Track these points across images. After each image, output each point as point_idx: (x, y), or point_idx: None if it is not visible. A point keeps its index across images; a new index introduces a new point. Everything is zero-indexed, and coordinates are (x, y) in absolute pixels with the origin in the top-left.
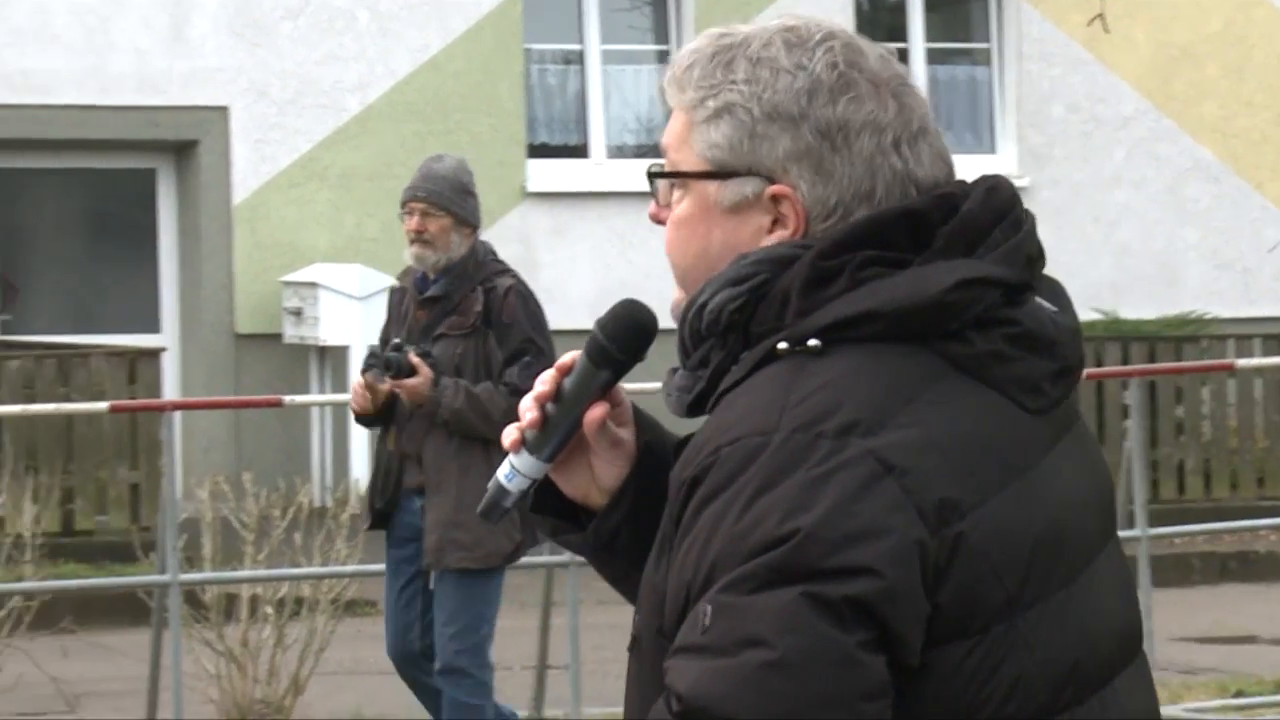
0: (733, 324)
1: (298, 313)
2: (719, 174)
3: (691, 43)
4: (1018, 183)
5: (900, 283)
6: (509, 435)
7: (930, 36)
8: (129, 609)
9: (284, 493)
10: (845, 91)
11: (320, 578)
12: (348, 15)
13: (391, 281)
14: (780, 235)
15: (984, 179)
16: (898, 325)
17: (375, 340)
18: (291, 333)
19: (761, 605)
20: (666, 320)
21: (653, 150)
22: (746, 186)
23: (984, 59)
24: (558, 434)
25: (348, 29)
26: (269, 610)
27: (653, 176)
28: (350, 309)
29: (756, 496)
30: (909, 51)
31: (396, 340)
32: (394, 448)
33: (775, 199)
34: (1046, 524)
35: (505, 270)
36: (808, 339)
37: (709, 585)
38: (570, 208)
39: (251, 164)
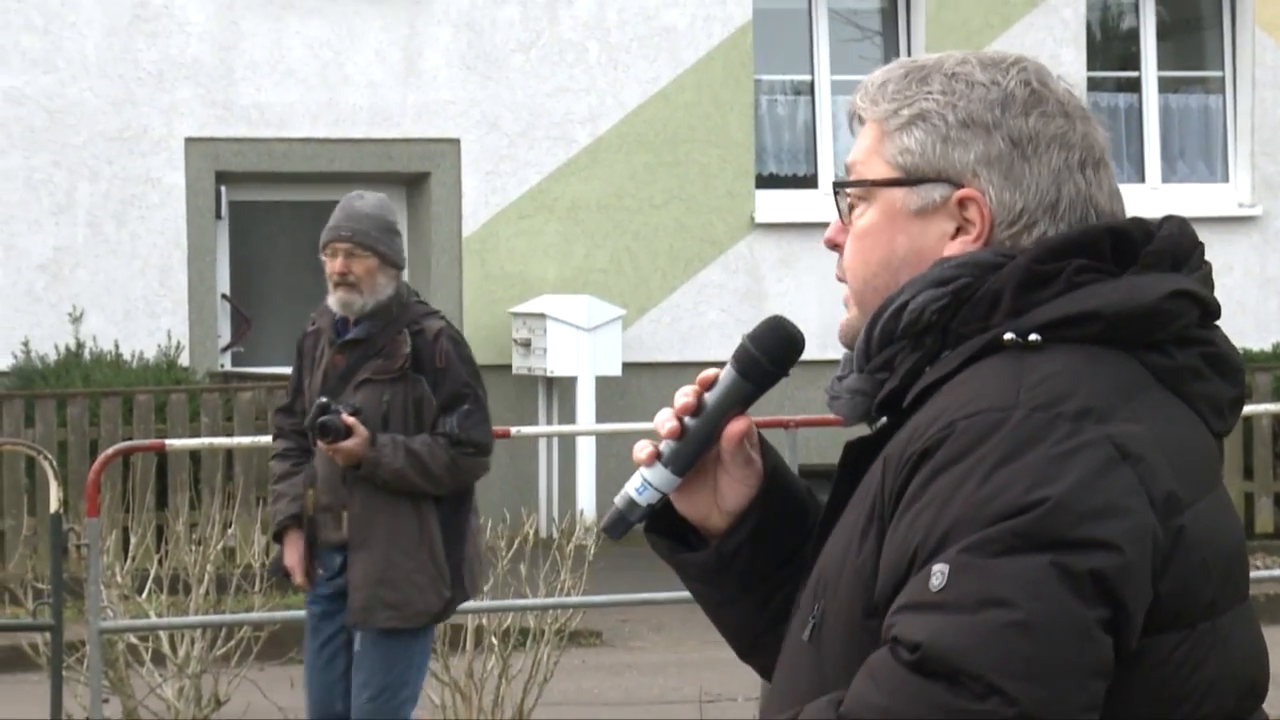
0: (932, 324)
1: (526, 344)
2: (907, 180)
3: (880, 70)
4: (1250, 211)
5: (1119, 288)
6: (644, 448)
7: (1163, 65)
8: None
9: (510, 524)
10: (1036, 106)
11: (545, 608)
12: (578, 48)
13: (620, 312)
14: (965, 241)
15: (1169, 216)
16: (1113, 328)
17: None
18: (520, 363)
19: (1007, 568)
20: (812, 351)
21: None
22: (935, 191)
23: (1217, 87)
24: (695, 447)
25: (578, 61)
26: (494, 641)
27: (838, 186)
28: (578, 340)
29: (998, 466)
30: (1141, 80)
31: (324, 400)
32: (311, 502)
33: (962, 204)
34: (1234, 537)
35: (432, 312)
36: (1029, 333)
37: (941, 548)
38: (798, 238)
39: (482, 195)
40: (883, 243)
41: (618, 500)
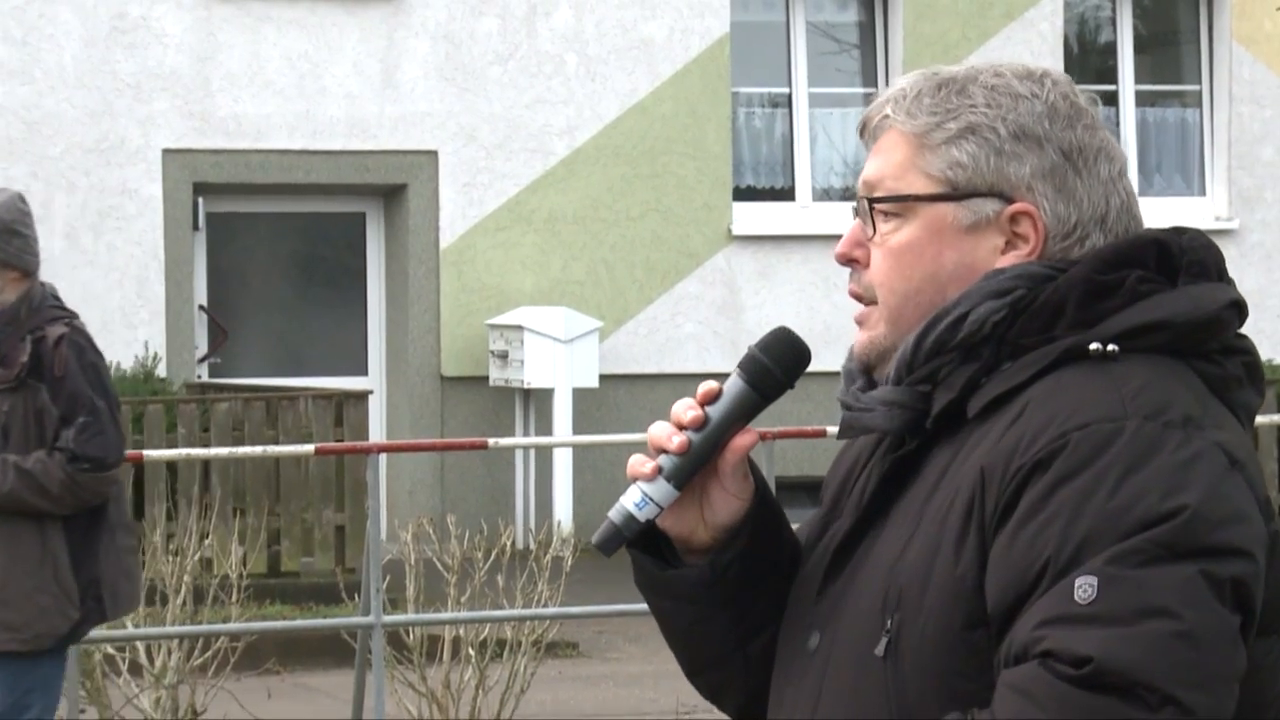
0: (988, 336)
1: (503, 356)
2: (956, 195)
3: (903, 79)
4: (1227, 225)
5: (1182, 298)
6: (644, 463)
7: (1140, 79)
8: (333, 650)
9: (487, 535)
10: (1080, 118)
11: (523, 619)
12: (556, 60)
13: (597, 324)
14: (1017, 255)
15: (1185, 227)
16: (1180, 338)
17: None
18: (497, 375)
19: (1158, 578)
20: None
21: None
22: (987, 206)
23: (1194, 101)
24: (698, 462)
25: (556, 73)
26: (471, 652)
27: (876, 200)
28: (555, 352)
29: (1126, 476)
30: (1119, 94)
31: None
32: None
33: (1014, 218)
34: None
35: (61, 317)
36: (1106, 344)
37: (1078, 560)
38: (776, 251)
39: (459, 207)
40: (928, 258)
41: (613, 516)
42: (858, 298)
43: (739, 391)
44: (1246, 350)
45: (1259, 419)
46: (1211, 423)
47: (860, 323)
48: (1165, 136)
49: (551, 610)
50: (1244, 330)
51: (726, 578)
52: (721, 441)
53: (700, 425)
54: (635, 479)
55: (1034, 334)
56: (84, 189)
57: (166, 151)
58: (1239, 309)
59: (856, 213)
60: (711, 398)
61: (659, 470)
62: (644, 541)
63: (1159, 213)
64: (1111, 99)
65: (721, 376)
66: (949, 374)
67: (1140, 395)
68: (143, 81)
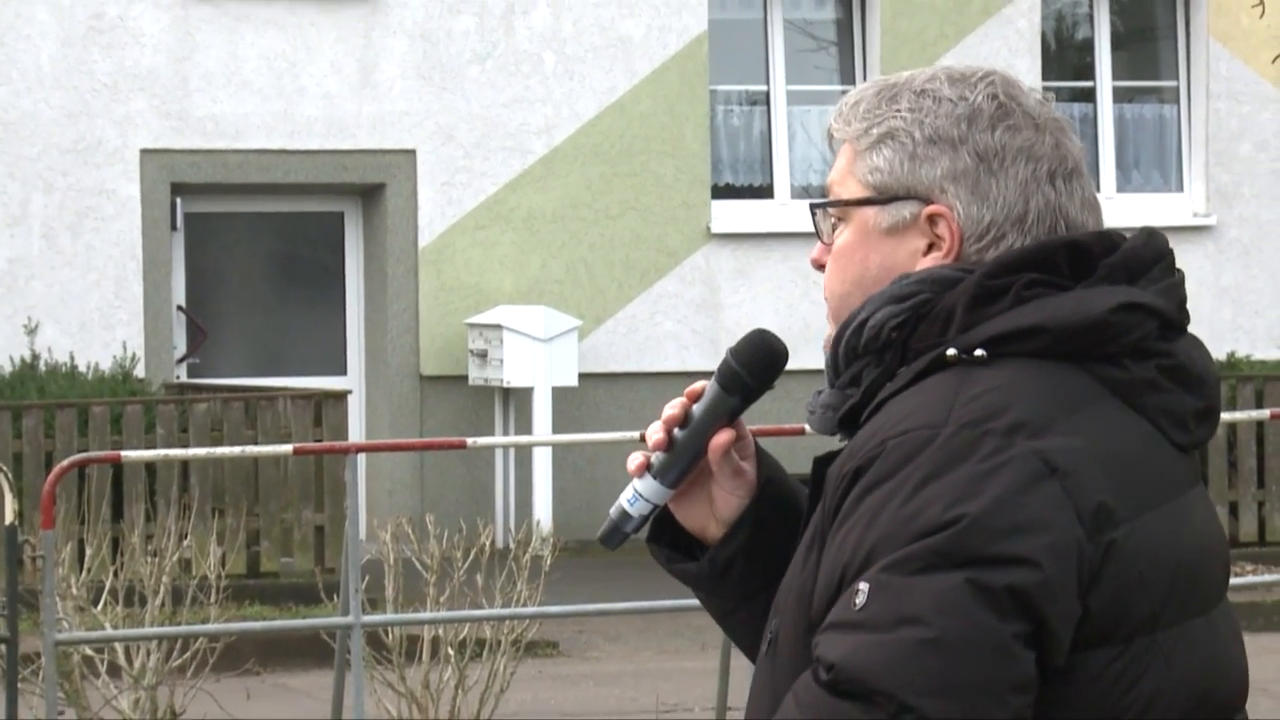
0: (891, 340)
1: (482, 355)
2: (878, 199)
3: (855, 89)
4: (1205, 221)
5: (1065, 302)
6: (634, 460)
7: (1117, 75)
8: (312, 650)
9: (466, 534)
10: (1003, 120)
11: (502, 619)
12: (534, 59)
13: (576, 323)
14: (935, 257)
15: (1144, 228)
16: (1060, 342)
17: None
18: (476, 375)
19: (923, 586)
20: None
21: None
22: (905, 209)
23: (1172, 97)
24: (683, 459)
25: (534, 72)
26: (450, 652)
27: (814, 207)
28: (535, 351)
29: (923, 485)
30: (1096, 90)
31: None
32: None
33: (932, 220)
34: (1189, 552)
35: None
36: (974, 349)
37: (866, 566)
38: (754, 248)
39: (438, 207)
40: (857, 261)
41: (612, 511)
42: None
43: (714, 393)
44: (1166, 353)
45: (1237, 415)
46: (1061, 429)
47: (827, 321)
48: (1143, 133)
49: (531, 610)
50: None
51: (731, 572)
52: (705, 440)
53: (682, 423)
54: (631, 475)
55: (931, 339)
56: (61, 189)
57: (144, 151)
58: (1148, 311)
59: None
60: (697, 397)
61: (647, 466)
62: (672, 535)
63: (1136, 209)
64: (1089, 95)
65: (701, 375)
66: (865, 378)
67: (973, 402)
68: (120, 81)
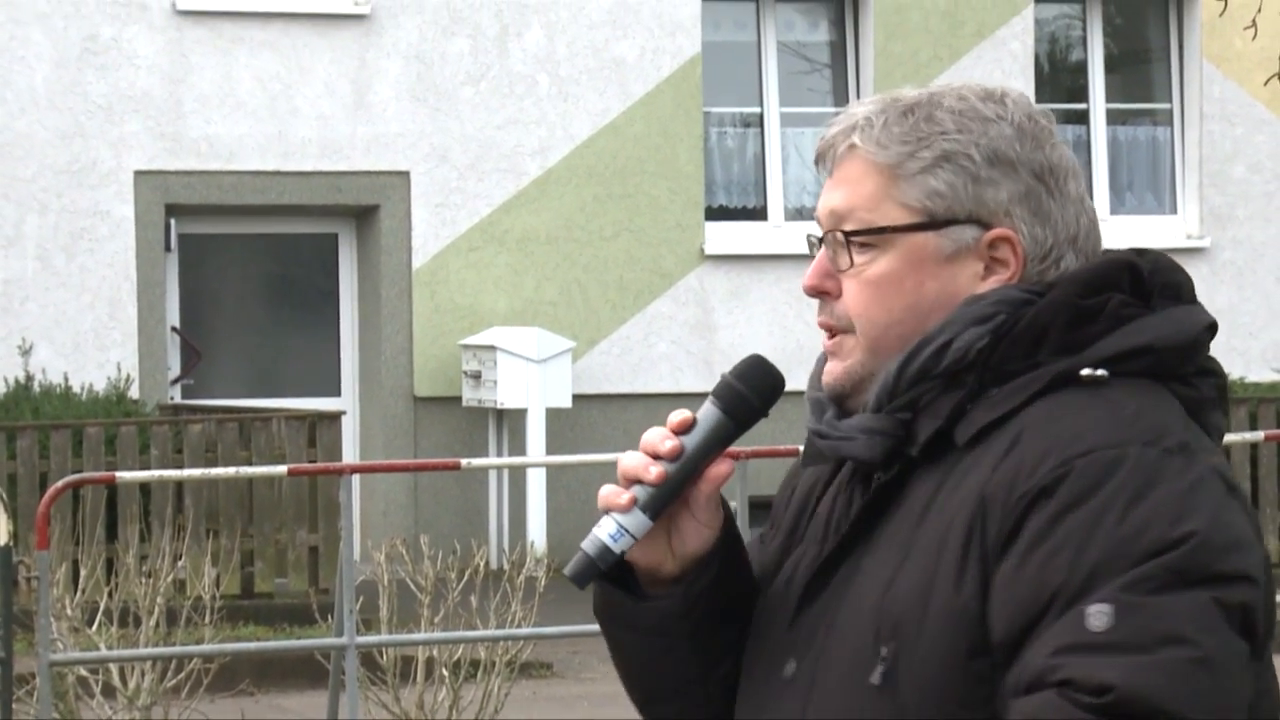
0: (972, 362)
1: (476, 376)
2: (933, 224)
3: (861, 107)
4: (1199, 243)
5: (1163, 322)
6: (619, 494)
7: (1111, 97)
8: (307, 671)
9: (460, 555)
10: (1047, 138)
11: (496, 640)
12: (528, 80)
13: (570, 345)
14: (998, 280)
15: (1145, 249)
16: (1162, 362)
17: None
18: (470, 396)
19: (1172, 605)
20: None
21: None
22: (966, 233)
23: (1165, 119)
24: (672, 492)
25: (528, 94)
26: (445, 673)
27: (852, 234)
28: (529, 372)
29: (1133, 503)
30: (1090, 112)
31: None
32: None
33: (993, 244)
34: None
35: None
36: (1095, 369)
37: (1090, 588)
38: (748, 270)
39: (432, 228)
40: (908, 289)
41: (587, 547)
42: (829, 328)
43: (715, 420)
44: (1216, 373)
45: (1233, 438)
46: (1200, 447)
47: (833, 353)
48: (1136, 155)
49: (525, 630)
50: (1215, 348)
51: (697, 608)
52: (697, 471)
53: (677, 456)
54: (609, 509)
55: (1018, 360)
56: (56, 211)
57: (138, 173)
58: (1212, 331)
59: (820, 243)
60: (686, 427)
61: (635, 501)
62: (608, 572)
63: (1130, 231)
64: (1082, 117)
65: (695, 396)
66: (930, 401)
67: (1138, 421)
68: (114, 103)
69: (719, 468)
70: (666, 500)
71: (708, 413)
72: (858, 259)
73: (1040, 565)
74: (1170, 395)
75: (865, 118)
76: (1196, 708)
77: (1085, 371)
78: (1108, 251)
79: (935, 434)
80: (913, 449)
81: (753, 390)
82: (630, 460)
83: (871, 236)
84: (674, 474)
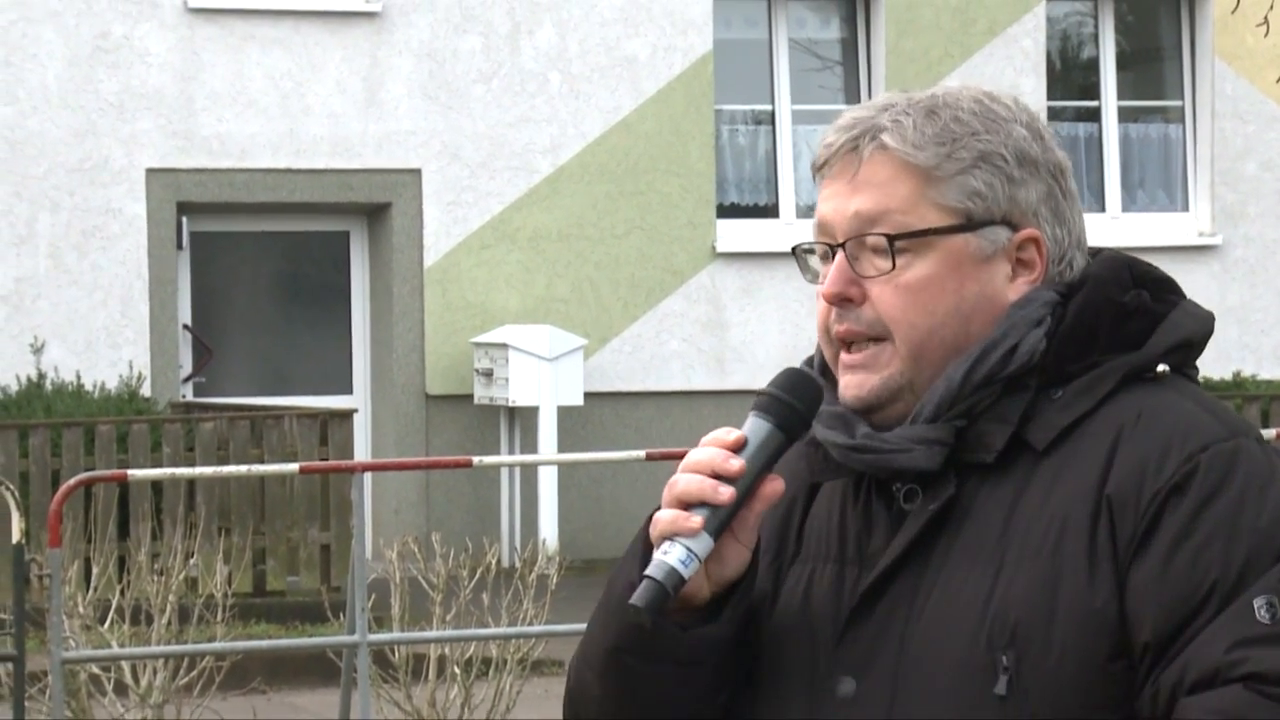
0: (1036, 365)
1: (488, 374)
2: (970, 225)
3: (871, 107)
4: (1211, 240)
5: (1186, 317)
6: (689, 518)
7: (1122, 95)
8: (319, 669)
9: (472, 553)
10: (1051, 137)
11: (508, 638)
12: (539, 78)
13: (582, 342)
14: (1025, 281)
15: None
16: (1191, 355)
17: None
18: (482, 394)
19: None
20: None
21: None
22: (1000, 234)
23: (1177, 117)
24: (732, 513)
25: (540, 91)
26: (456, 670)
27: (895, 238)
28: (540, 370)
29: (1264, 493)
30: (1101, 110)
31: None
32: None
33: (1022, 244)
34: None
35: None
36: (1155, 366)
37: (1245, 581)
38: (760, 268)
39: (443, 226)
40: (950, 291)
41: (654, 573)
42: (853, 337)
43: (768, 435)
44: (1195, 367)
45: None
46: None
47: (864, 365)
48: (1148, 152)
49: (537, 629)
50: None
51: (739, 631)
52: (752, 489)
53: (741, 476)
54: (677, 534)
55: (1074, 360)
56: (68, 209)
57: (150, 171)
58: None
59: (820, 250)
60: (740, 445)
61: (704, 524)
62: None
63: (1142, 229)
64: (1094, 115)
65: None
66: (988, 406)
67: (1226, 414)
68: (126, 101)
69: (772, 485)
70: (727, 522)
71: (759, 428)
72: (899, 262)
73: (1191, 561)
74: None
75: (892, 120)
76: None
77: (1162, 368)
78: (1095, 249)
79: (1009, 444)
80: (986, 455)
81: (800, 401)
82: (691, 483)
83: (910, 240)
84: (736, 495)
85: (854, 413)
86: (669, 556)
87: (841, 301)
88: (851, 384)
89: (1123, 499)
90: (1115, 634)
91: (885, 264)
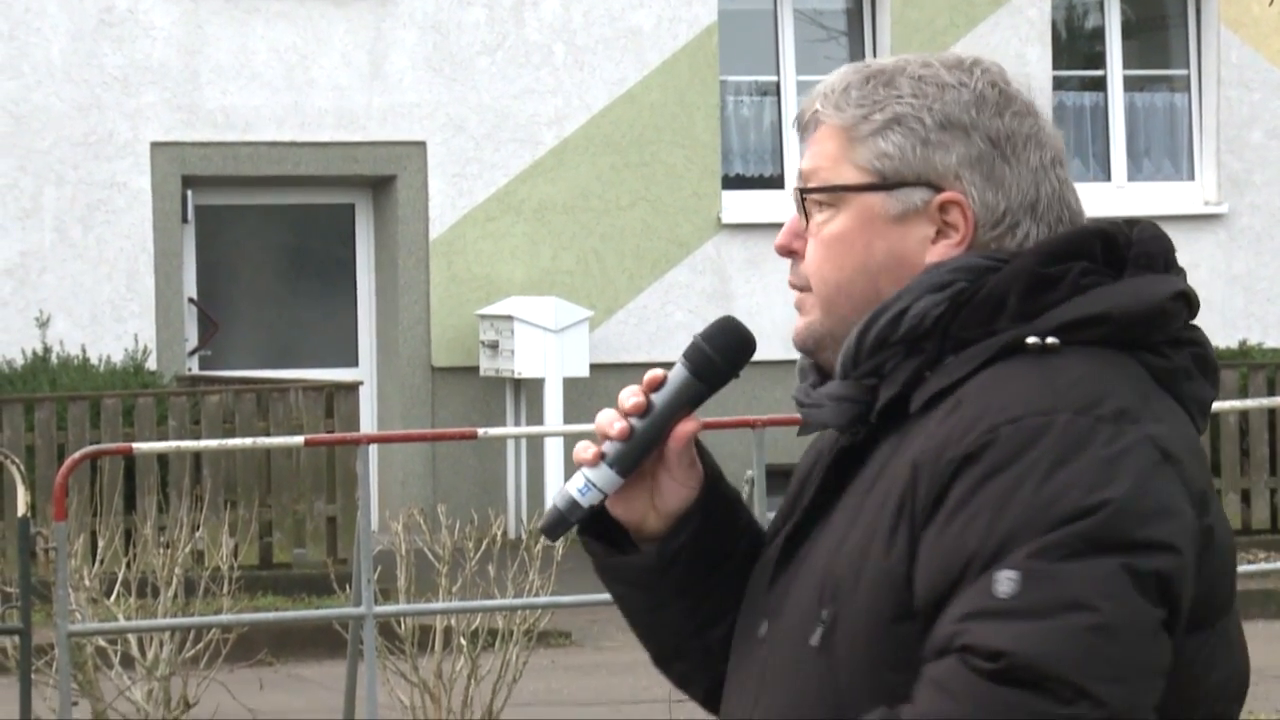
0: (930, 330)
1: (493, 346)
2: (885, 185)
3: (834, 74)
4: (1216, 209)
5: (1124, 290)
6: (586, 448)
7: (1128, 64)
8: (325, 641)
9: (478, 525)
10: (1008, 106)
11: (514, 609)
12: (544, 50)
13: (587, 314)
14: (947, 245)
15: (1134, 219)
16: (1122, 330)
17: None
18: (487, 365)
19: (1080, 572)
20: (778, 352)
21: None
22: (915, 195)
23: (1183, 86)
24: (641, 448)
25: (544, 63)
26: (463, 642)
27: (807, 191)
28: (546, 341)
29: (1052, 471)
30: (1107, 79)
31: None
32: None
33: (943, 207)
34: (1231, 535)
35: None
36: (1046, 336)
37: (1002, 553)
38: (765, 238)
39: (448, 198)
40: (859, 248)
41: (558, 500)
42: (796, 288)
43: (682, 380)
44: (1196, 342)
45: (1250, 403)
46: (1150, 416)
47: (798, 309)
48: (1154, 121)
49: (543, 600)
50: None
51: (676, 565)
52: (665, 429)
53: (642, 412)
54: (580, 465)
55: (976, 327)
56: (73, 182)
57: (155, 144)
58: (1186, 300)
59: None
60: (656, 385)
61: (602, 456)
62: (600, 528)
63: (1148, 197)
64: (1100, 84)
65: None
66: (894, 368)
67: (1074, 389)
68: (130, 75)
69: (684, 426)
70: (635, 457)
71: (677, 373)
72: (817, 218)
73: (960, 531)
74: (1134, 364)
75: (831, 85)
76: (1089, 673)
77: (1031, 340)
78: (1094, 220)
79: (893, 400)
80: (872, 416)
81: (719, 353)
82: (602, 417)
83: (829, 195)
84: (640, 431)
85: (810, 366)
86: (570, 485)
87: (789, 254)
88: (794, 328)
89: (926, 465)
90: (900, 595)
91: (814, 218)
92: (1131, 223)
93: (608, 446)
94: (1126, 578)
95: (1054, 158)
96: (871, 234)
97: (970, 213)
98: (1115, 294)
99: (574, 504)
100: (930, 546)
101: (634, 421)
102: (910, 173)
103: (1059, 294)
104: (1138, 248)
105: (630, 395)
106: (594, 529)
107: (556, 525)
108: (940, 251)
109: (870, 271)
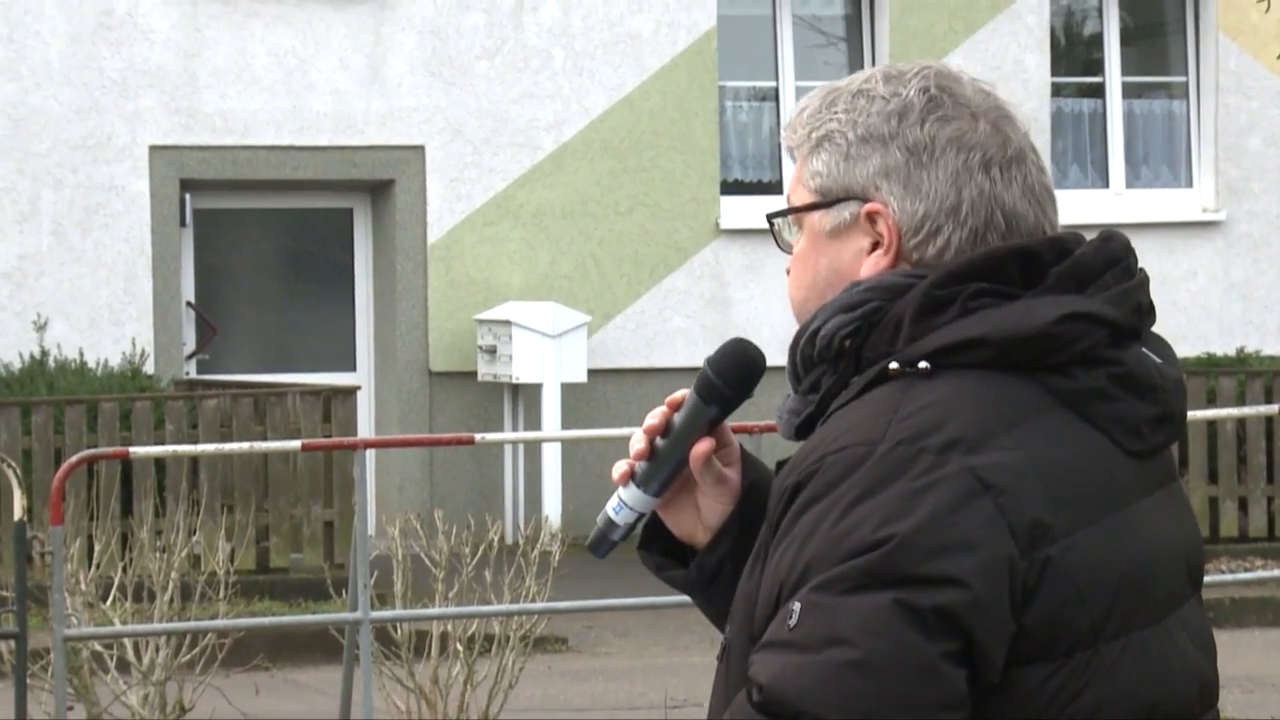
0: (843, 350)
1: (491, 351)
2: (822, 203)
3: (805, 98)
4: (1214, 216)
5: (1009, 313)
6: (618, 468)
7: (1126, 70)
8: (321, 646)
9: (475, 530)
10: (933, 112)
11: (510, 614)
12: (543, 54)
13: (585, 319)
14: (879, 256)
15: (1102, 231)
16: (1004, 353)
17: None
18: (485, 370)
19: (851, 606)
20: (775, 359)
21: None
22: (845, 210)
23: (1181, 92)
24: (665, 468)
25: (543, 68)
26: (459, 647)
27: (770, 218)
28: (544, 347)
29: (856, 503)
30: (1105, 85)
31: None
32: None
33: (871, 218)
34: (1135, 564)
35: None
36: (918, 361)
37: (800, 585)
38: (764, 244)
39: (447, 203)
40: (809, 266)
41: (599, 519)
42: None
43: (692, 403)
44: (1116, 361)
45: (1248, 411)
46: (999, 444)
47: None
48: (1152, 128)
49: (540, 605)
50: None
51: (720, 575)
52: (685, 449)
53: (663, 432)
54: (617, 484)
55: (881, 348)
56: (71, 186)
57: (153, 148)
58: (1095, 320)
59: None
60: (678, 405)
61: (630, 475)
62: (664, 542)
63: (1146, 205)
64: (1098, 91)
65: None
66: (823, 386)
67: (910, 418)
68: (129, 78)
69: (699, 447)
70: (662, 476)
71: (689, 395)
72: (791, 239)
73: (778, 559)
74: (1030, 387)
75: (798, 109)
76: (840, 709)
77: (893, 365)
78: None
79: (808, 419)
80: (790, 433)
81: (723, 377)
82: (634, 438)
83: (794, 218)
84: (662, 451)
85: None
86: (608, 505)
87: (789, 274)
88: None
89: (774, 490)
90: (752, 621)
91: (790, 241)
92: (1078, 238)
93: (637, 466)
94: (896, 613)
95: (987, 158)
96: (818, 252)
97: (892, 221)
98: (999, 317)
99: (610, 522)
100: (767, 573)
101: (657, 442)
102: (838, 188)
103: (947, 317)
104: (1072, 266)
105: (651, 416)
106: (660, 542)
107: (599, 543)
108: (873, 264)
109: (819, 288)
